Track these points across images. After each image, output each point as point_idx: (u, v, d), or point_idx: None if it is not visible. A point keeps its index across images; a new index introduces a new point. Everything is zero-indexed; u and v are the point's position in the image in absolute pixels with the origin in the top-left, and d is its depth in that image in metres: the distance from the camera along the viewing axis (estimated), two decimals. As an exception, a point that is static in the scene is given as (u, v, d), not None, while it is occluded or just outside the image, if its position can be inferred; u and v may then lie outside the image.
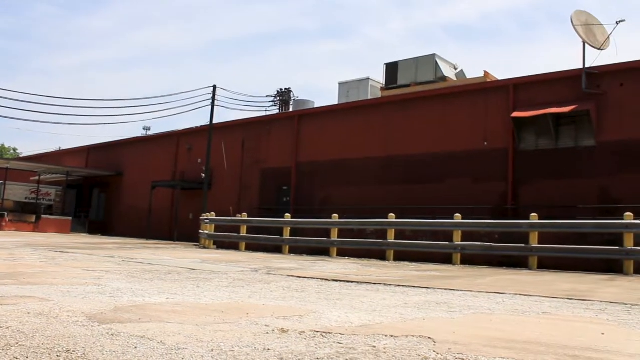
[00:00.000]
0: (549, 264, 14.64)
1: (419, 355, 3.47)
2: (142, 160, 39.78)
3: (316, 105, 34.16)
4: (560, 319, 5.46)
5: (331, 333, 4.18)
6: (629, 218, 13.72)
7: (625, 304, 6.82)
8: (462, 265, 15.49)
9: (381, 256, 17.74)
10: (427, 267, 14.51)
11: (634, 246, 13.39)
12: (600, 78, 21.29)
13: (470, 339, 4.08)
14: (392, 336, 4.13)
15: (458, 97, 24.78)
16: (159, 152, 38.76)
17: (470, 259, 16.06)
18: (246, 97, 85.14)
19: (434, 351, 3.61)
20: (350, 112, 28.42)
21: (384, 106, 27.20)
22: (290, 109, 38.20)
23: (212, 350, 3.43)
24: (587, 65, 21.40)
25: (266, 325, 4.43)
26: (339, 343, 3.82)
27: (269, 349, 3.53)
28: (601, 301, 7.04)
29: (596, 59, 24.06)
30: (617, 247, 13.68)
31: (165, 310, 5.12)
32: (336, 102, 32.14)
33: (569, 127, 21.68)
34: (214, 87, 32.61)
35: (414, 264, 15.81)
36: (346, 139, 27.55)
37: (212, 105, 32.25)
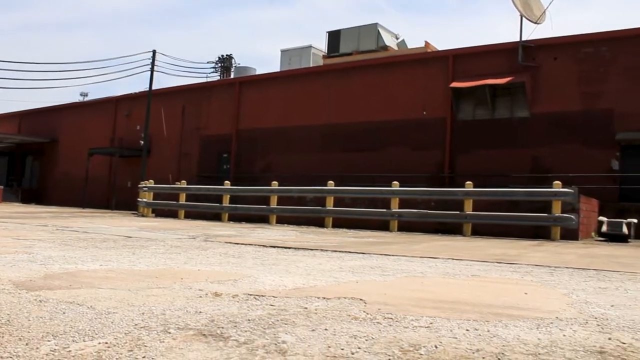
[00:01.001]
0: (482, 230, 15.09)
1: (349, 316, 3.55)
2: (78, 126, 38.66)
3: (258, 73, 33.87)
4: (488, 280, 5.66)
5: (264, 296, 4.22)
6: (557, 186, 14.23)
7: (550, 266, 7.12)
8: (399, 232, 15.79)
9: (320, 223, 17.89)
10: (365, 233, 14.72)
11: (562, 213, 13.93)
12: (535, 51, 21.81)
13: (401, 300, 4.19)
14: (324, 298, 4.19)
15: (399, 66, 24.98)
16: (96, 118, 37.74)
17: (407, 226, 16.38)
18: (186, 63, 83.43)
19: (364, 311, 3.70)
20: (292, 79, 28.31)
21: (326, 74, 27.19)
22: (232, 76, 37.74)
23: (143, 313, 3.42)
24: (523, 39, 21.87)
25: (200, 290, 4.43)
26: (271, 305, 3.86)
27: (200, 312, 3.54)
28: (528, 264, 7.32)
29: (532, 32, 24.68)
30: (546, 214, 14.20)
31: (97, 276, 5.05)
32: (278, 70, 31.93)
33: (505, 98, 22.20)
34: (154, 52, 31.88)
35: (352, 230, 16.02)
36: (288, 107, 27.48)
37: (152, 70, 31.55)
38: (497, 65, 22.52)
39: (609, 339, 3.12)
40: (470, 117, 22.90)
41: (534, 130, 21.44)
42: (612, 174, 20.04)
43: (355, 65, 26.62)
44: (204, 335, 2.92)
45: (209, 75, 38.07)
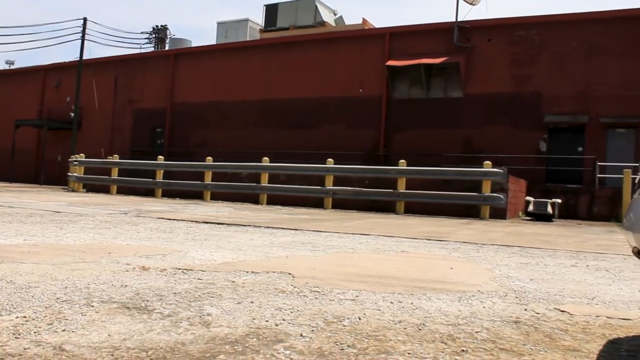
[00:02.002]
0: (415, 208, 15.35)
1: (277, 289, 3.56)
2: (3, 96, 36.98)
3: (193, 45, 33.20)
4: (416, 256, 5.77)
5: (192, 270, 4.18)
6: (487, 166, 14.61)
7: (477, 243, 7.33)
8: (333, 209, 15.91)
9: (255, 200, 17.83)
10: (299, 210, 14.76)
11: (491, 192, 14.32)
12: (470, 32, 22.17)
13: (329, 274, 4.23)
14: (253, 272, 4.19)
15: (336, 43, 24.96)
16: (24, 88, 36.18)
17: (342, 204, 16.51)
18: (119, 33, 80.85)
19: (292, 285, 3.72)
20: (229, 53, 27.89)
21: (263, 49, 26.92)
22: (167, 48, 36.84)
23: (66, 287, 3.34)
24: (459, 19, 22.19)
25: (127, 264, 4.36)
26: (199, 279, 3.83)
27: (126, 286, 3.48)
28: (456, 241, 7.51)
29: (468, 13, 25.06)
30: (476, 194, 14.56)
31: (21, 251, 4.89)
32: (214, 43, 31.40)
33: (440, 78, 22.52)
34: (84, 20, 30.76)
35: (286, 207, 16.04)
36: (224, 81, 27.10)
37: (82, 39, 30.47)
38: (433, 45, 22.80)
39: (525, 309, 3.25)
40: (405, 95, 23.16)
41: (467, 110, 21.88)
42: (539, 156, 20.71)
43: (292, 41, 26.45)
44: (127, 308, 2.87)
45: (142, 46, 37.10)
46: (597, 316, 3.17)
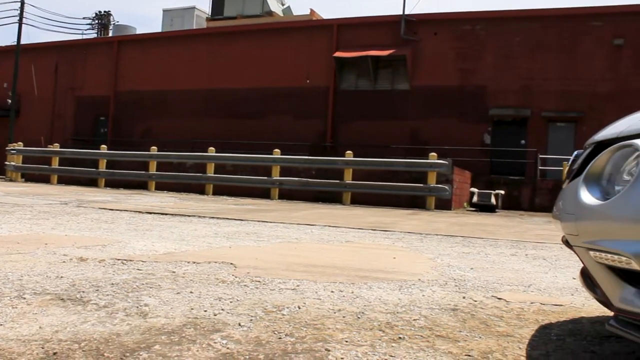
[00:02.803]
0: (362, 199, 15.45)
1: (218, 279, 3.52)
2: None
3: (138, 33, 32.55)
4: (360, 246, 5.81)
5: (132, 261, 4.10)
6: (433, 158, 14.81)
7: (421, 233, 7.42)
8: (280, 200, 15.87)
9: (201, 190, 17.63)
10: (246, 201, 14.68)
11: (436, 184, 14.53)
12: (417, 26, 22.41)
13: (271, 264, 4.21)
14: (194, 262, 4.14)
15: (284, 33, 24.86)
16: (-42, 73, 34.80)
17: (289, 194, 16.48)
18: (60, 18, 78.61)
19: (233, 275, 3.68)
20: (175, 41, 27.45)
21: (209, 37, 26.59)
22: (110, 34, 36.00)
23: (-3, 279, 3.23)
24: (406, 13, 22.39)
25: (64, 255, 4.24)
26: (138, 270, 3.76)
27: (62, 277, 3.38)
28: (401, 231, 7.58)
29: (415, 6, 25.26)
30: (422, 185, 14.75)
31: (-51, 241, 4.71)
32: (160, 31, 30.87)
33: (387, 70, 22.71)
34: (22, 2, 29.73)
35: (233, 198, 15.92)
36: (170, 70, 26.67)
37: (20, 23, 29.47)
38: (380, 37, 22.96)
39: (464, 297, 3.30)
40: (352, 87, 23.28)
41: (413, 102, 22.14)
42: (484, 148, 21.14)
43: (239, 30, 26.23)
44: (62, 299, 2.79)
45: (84, 32, 36.19)
46: (532, 303, 3.25)
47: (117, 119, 28.34)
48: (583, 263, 2.10)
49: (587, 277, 2.17)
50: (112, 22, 37.38)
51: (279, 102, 24.15)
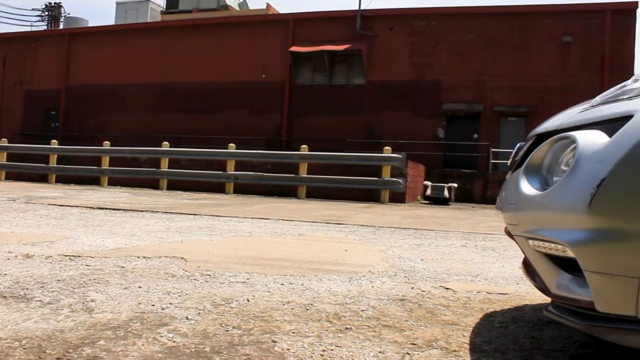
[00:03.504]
0: (317, 193, 15.50)
1: (167, 273, 3.49)
2: None
3: (90, 25, 31.89)
4: (313, 239, 5.83)
5: (81, 256, 4.03)
6: (387, 152, 14.94)
7: (374, 226, 7.48)
8: (235, 194, 15.80)
9: (155, 185, 17.42)
10: (200, 195, 14.57)
11: (391, 177, 14.67)
12: (373, 21, 22.54)
13: (222, 258, 4.19)
14: (144, 257, 4.10)
15: (239, 27, 24.69)
16: None
17: (244, 189, 16.43)
18: (8, 9, 76.42)
19: (183, 269, 3.66)
20: (128, 34, 26.98)
21: (164, 31, 26.23)
22: (61, 27, 35.18)
23: None
24: (362, 8, 22.50)
25: (9, 252, 4.14)
26: (86, 265, 3.70)
27: (5, 274, 3.30)
28: (354, 224, 7.64)
29: (371, 1, 25.39)
30: (376, 178, 14.87)
31: None
32: (113, 24, 30.31)
33: (343, 65, 22.79)
34: (-32, -6, 28.78)
35: (187, 193, 15.77)
36: (123, 63, 26.20)
37: (-34, 15, 28.53)
38: (336, 32, 23.01)
39: (412, 288, 3.35)
40: (308, 81, 23.29)
41: (368, 97, 22.28)
42: (438, 142, 21.42)
43: (194, 24, 25.94)
44: (4, 297, 2.73)
45: (34, 24, 35.27)
46: (478, 292, 3.32)
47: (69, 114, 27.72)
48: (523, 252, 2.15)
49: (528, 266, 2.23)
50: (62, 14, 36.49)
51: (235, 97, 24.00)
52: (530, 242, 1.96)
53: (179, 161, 17.95)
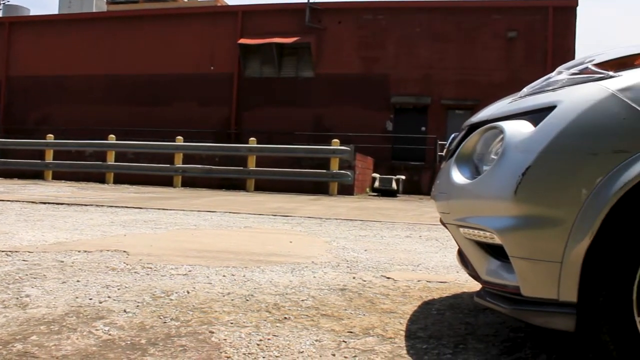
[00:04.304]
0: (265, 186, 15.46)
1: (108, 267, 3.44)
2: None
3: (32, 14, 30.94)
4: (259, 231, 5.82)
5: (18, 252, 3.94)
6: (335, 144, 15.01)
7: (321, 218, 7.52)
8: (183, 188, 15.64)
9: (101, 179, 17.08)
10: (148, 189, 14.37)
11: (339, 169, 14.75)
12: (322, 14, 22.55)
13: (166, 251, 4.16)
14: (85, 251, 4.03)
15: (188, 18, 24.38)
16: None
17: (192, 182, 16.27)
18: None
19: (125, 262, 3.61)
20: (73, 24, 26.27)
21: (110, 22, 25.66)
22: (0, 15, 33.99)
23: None
24: (311, 1, 22.47)
25: (-61, 249, 4.02)
26: (24, 260, 3.61)
27: None
28: (301, 217, 7.65)
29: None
30: (325, 171, 14.93)
31: None
32: (57, 13, 29.50)
33: (292, 57, 22.75)
34: None
35: (134, 186, 15.53)
36: (68, 55, 25.52)
37: None
38: (285, 24, 22.94)
39: (354, 278, 3.39)
40: (257, 74, 23.18)
41: (317, 90, 22.32)
42: (386, 134, 21.62)
43: (142, 14, 25.47)
44: None
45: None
46: (419, 281, 3.38)
47: (10, 106, 26.86)
48: (455, 240, 2.20)
49: (462, 254, 2.29)
50: (1, 2, 35.23)
51: (183, 89, 23.69)
52: (461, 230, 2.01)
53: (126, 154, 17.64)
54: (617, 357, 1.69)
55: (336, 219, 7.52)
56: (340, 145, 15.00)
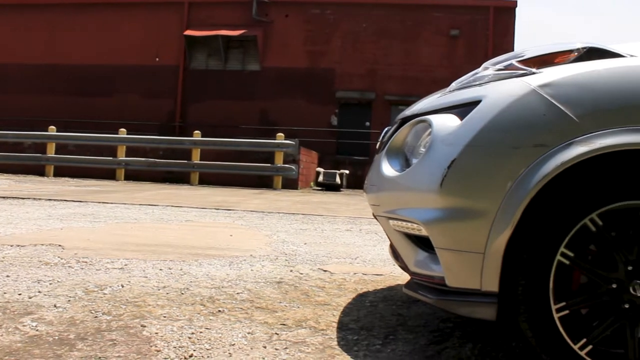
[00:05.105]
0: (210, 179, 15.34)
1: (41, 262, 3.37)
2: None
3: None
4: (200, 225, 5.78)
5: (-56, 247, 3.81)
6: (280, 138, 15.00)
7: (264, 212, 7.51)
8: (126, 181, 15.36)
9: (41, 172, 16.60)
10: (89, 182, 14.06)
11: (283, 164, 14.75)
12: (269, 7, 22.46)
13: (103, 245, 4.09)
14: (18, 246, 3.92)
15: (132, 8, 23.85)
16: None
17: (135, 175, 15.99)
18: None
19: (59, 257, 3.54)
20: (10, 10, 25.35)
21: (50, 9, 24.85)
22: None
23: None
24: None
25: None
26: (-50, 256, 3.50)
27: None
28: (244, 210, 7.63)
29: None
30: (269, 165, 14.91)
31: None
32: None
33: (238, 50, 22.59)
34: None
35: (75, 179, 15.17)
36: (4, 42, 24.65)
37: None
38: (232, 17, 22.74)
39: (291, 271, 3.41)
40: (203, 66, 22.93)
41: (263, 83, 22.23)
42: (331, 129, 21.72)
43: (84, 2, 24.77)
44: None
45: None
46: (355, 273, 3.42)
47: (-60, 95, 25.81)
48: (385, 232, 2.25)
49: (393, 247, 2.33)
50: None
51: (127, 80, 23.21)
52: (391, 222, 2.05)
53: (67, 146, 17.19)
54: (536, 344, 1.76)
55: (278, 212, 7.53)
56: (285, 140, 15.00)
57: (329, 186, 16.06)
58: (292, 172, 14.67)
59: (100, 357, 1.84)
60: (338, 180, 16.05)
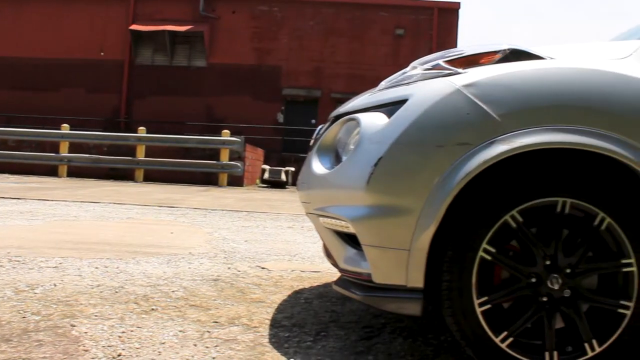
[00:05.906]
0: (155, 176, 15.11)
1: (-29, 260, 3.28)
2: None
3: None
4: (141, 223, 5.72)
5: None
6: (225, 135, 14.90)
7: (207, 209, 7.47)
8: (68, 178, 15.00)
9: (-23, 168, 16.06)
10: (30, 179, 13.67)
11: (229, 161, 14.66)
12: (216, 3, 22.33)
13: (38, 243, 4.01)
14: (-52, 244, 3.81)
15: (77, 1, 23.30)
16: None
17: (79, 171, 15.63)
18: None
19: (-10, 256, 3.46)
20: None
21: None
22: None
23: None
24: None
25: None
26: None
27: None
28: (187, 207, 7.57)
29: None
30: (215, 162, 14.80)
31: None
32: None
33: (184, 46, 22.38)
34: None
35: (15, 176, 14.71)
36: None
37: None
38: (179, 12, 22.50)
39: (229, 268, 3.42)
40: (149, 62, 22.60)
41: (210, 80, 22.07)
42: (277, 126, 21.72)
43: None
44: None
45: None
46: (292, 270, 3.46)
47: None
48: (316, 230, 2.28)
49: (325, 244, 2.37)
50: None
51: (71, 75, 22.66)
52: (321, 219, 2.08)
53: (6, 142, 16.66)
54: (460, 338, 1.82)
55: (222, 210, 7.50)
56: (230, 136, 14.91)
57: (275, 183, 16.04)
58: (237, 170, 14.61)
59: (24, 359, 1.82)
60: (284, 177, 16.05)
